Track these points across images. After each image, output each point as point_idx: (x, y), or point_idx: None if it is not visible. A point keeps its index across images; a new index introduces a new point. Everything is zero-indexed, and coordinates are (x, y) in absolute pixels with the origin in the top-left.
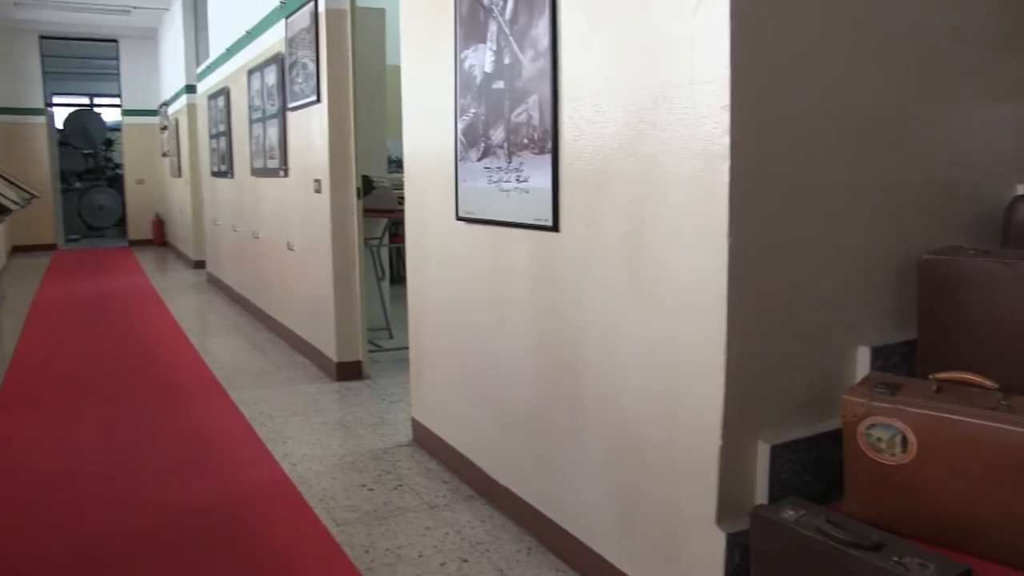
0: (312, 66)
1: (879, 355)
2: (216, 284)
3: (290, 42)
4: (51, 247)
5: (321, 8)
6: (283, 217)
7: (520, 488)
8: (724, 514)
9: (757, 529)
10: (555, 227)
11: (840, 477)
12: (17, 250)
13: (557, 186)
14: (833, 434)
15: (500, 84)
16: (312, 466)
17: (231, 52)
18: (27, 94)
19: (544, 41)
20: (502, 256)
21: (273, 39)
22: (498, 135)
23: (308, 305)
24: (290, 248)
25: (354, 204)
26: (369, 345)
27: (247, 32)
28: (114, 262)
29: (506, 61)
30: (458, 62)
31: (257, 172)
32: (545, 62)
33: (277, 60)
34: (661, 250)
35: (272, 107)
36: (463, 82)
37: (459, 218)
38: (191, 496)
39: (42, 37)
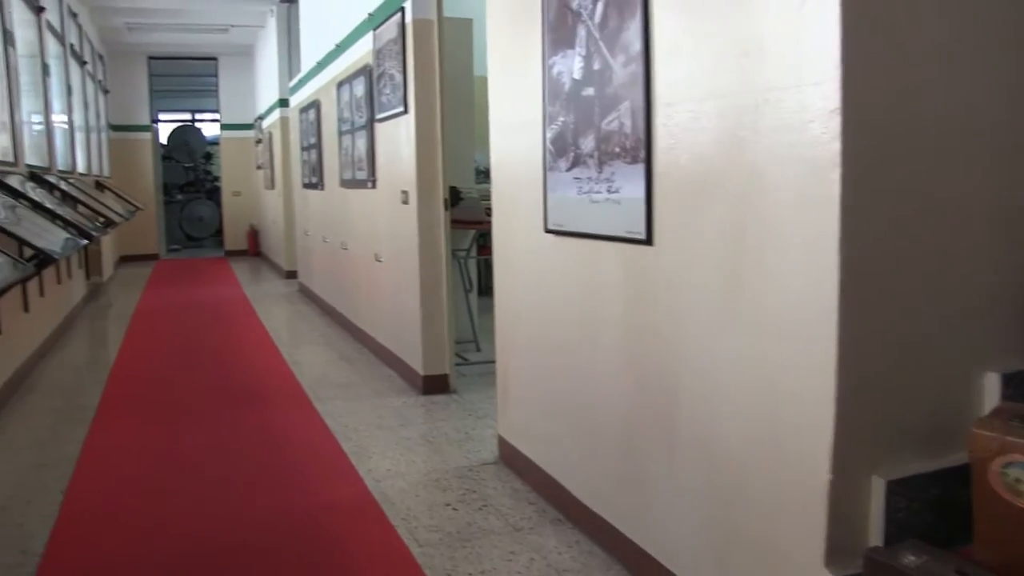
0: (399, 77)
1: (1011, 383)
2: (306, 294)
3: (378, 53)
4: (154, 257)
5: (408, 19)
6: (371, 228)
7: (609, 513)
8: (833, 557)
9: (873, 575)
10: (648, 240)
11: (965, 518)
12: (124, 260)
13: (651, 197)
14: (958, 470)
15: (590, 91)
16: (396, 483)
17: (321, 65)
18: (136, 112)
19: (636, 45)
20: (592, 270)
21: (362, 51)
22: (588, 144)
23: (395, 317)
24: (378, 259)
25: (441, 215)
26: (456, 358)
27: (336, 45)
28: (210, 272)
29: (596, 67)
30: (546, 69)
31: (346, 183)
32: (637, 67)
33: (365, 72)
34: (763, 264)
35: (360, 119)
36: (551, 90)
37: (548, 230)
38: (274, 509)
39: (150, 58)
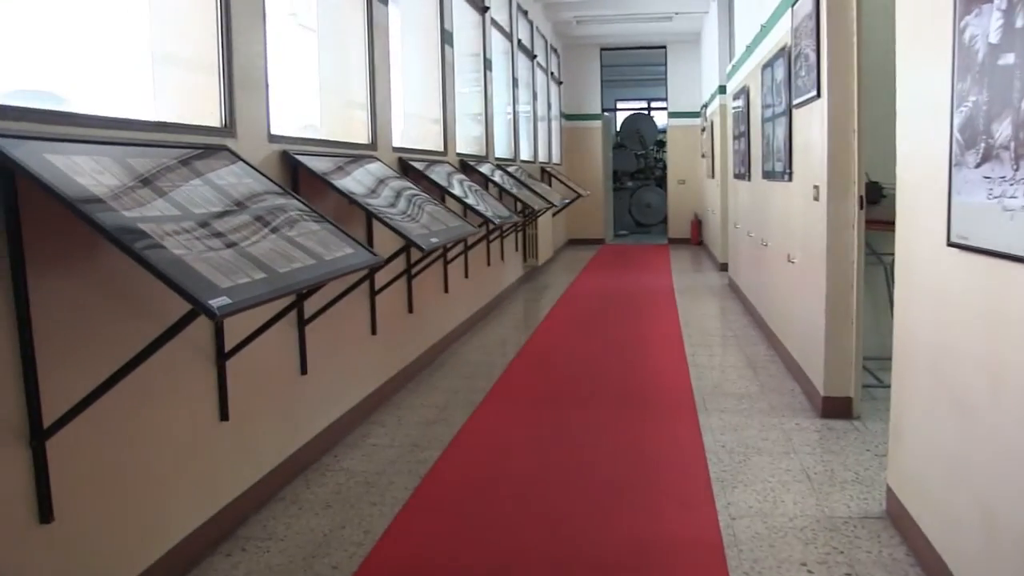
0: (813, 57)
1: None
2: (734, 290)
3: (795, 32)
4: (599, 241)
5: None
6: (786, 225)
7: None
8: None
9: None
10: None
11: None
12: (572, 243)
13: None
14: None
15: (1009, 58)
16: (753, 524)
17: (749, 50)
18: (588, 101)
19: None
20: (1003, 300)
21: (781, 31)
22: (1003, 132)
23: (801, 325)
24: (790, 260)
25: (855, 214)
26: (867, 377)
27: (761, 26)
28: (647, 260)
29: (1020, 23)
30: (956, 33)
31: (767, 175)
32: None
33: (784, 53)
34: None
35: (780, 105)
36: (961, 61)
37: (950, 243)
38: (611, 531)
39: (602, 49)
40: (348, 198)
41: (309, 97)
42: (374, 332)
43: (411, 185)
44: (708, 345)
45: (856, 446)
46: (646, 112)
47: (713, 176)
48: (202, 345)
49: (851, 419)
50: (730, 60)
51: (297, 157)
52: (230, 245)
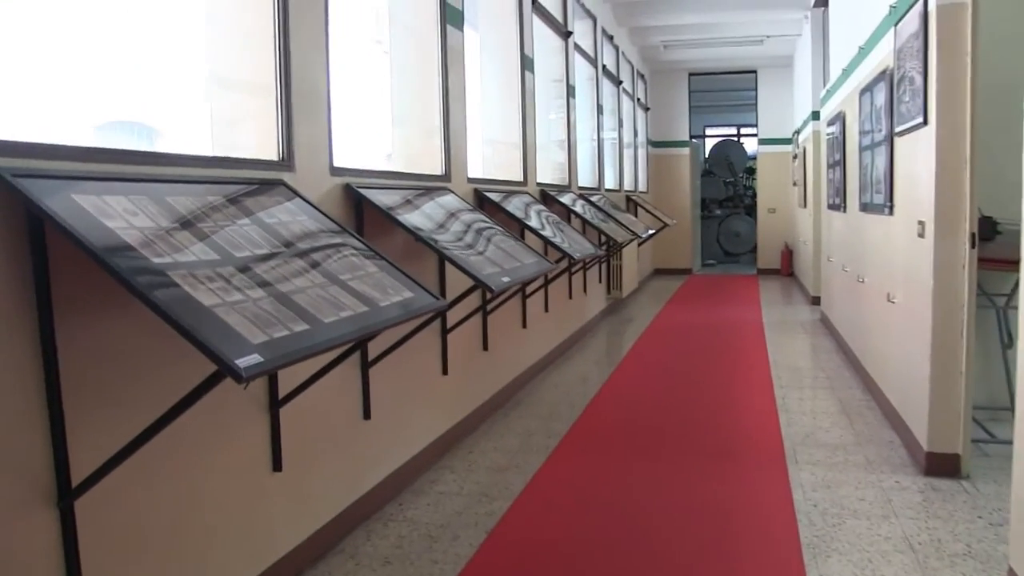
0: (919, 80)
1: None
2: (826, 326)
3: (898, 53)
4: (686, 271)
5: (932, 5)
6: (886, 262)
7: None
8: None
9: None
10: None
11: None
12: (658, 272)
13: None
14: None
15: None
16: None
17: (846, 73)
18: (676, 127)
19: None
20: None
21: (882, 52)
22: None
23: (903, 371)
24: (890, 300)
25: (965, 253)
26: (977, 430)
27: (859, 48)
28: (736, 291)
29: None
30: None
31: (864, 207)
32: None
33: (885, 76)
34: None
35: (879, 132)
36: None
37: None
38: None
39: (691, 74)
40: (415, 235)
41: (383, 126)
42: (445, 372)
43: (484, 218)
44: (799, 387)
45: (966, 512)
46: (735, 139)
47: (805, 205)
48: (253, 391)
49: (959, 478)
50: (824, 84)
51: (361, 191)
52: (272, 292)
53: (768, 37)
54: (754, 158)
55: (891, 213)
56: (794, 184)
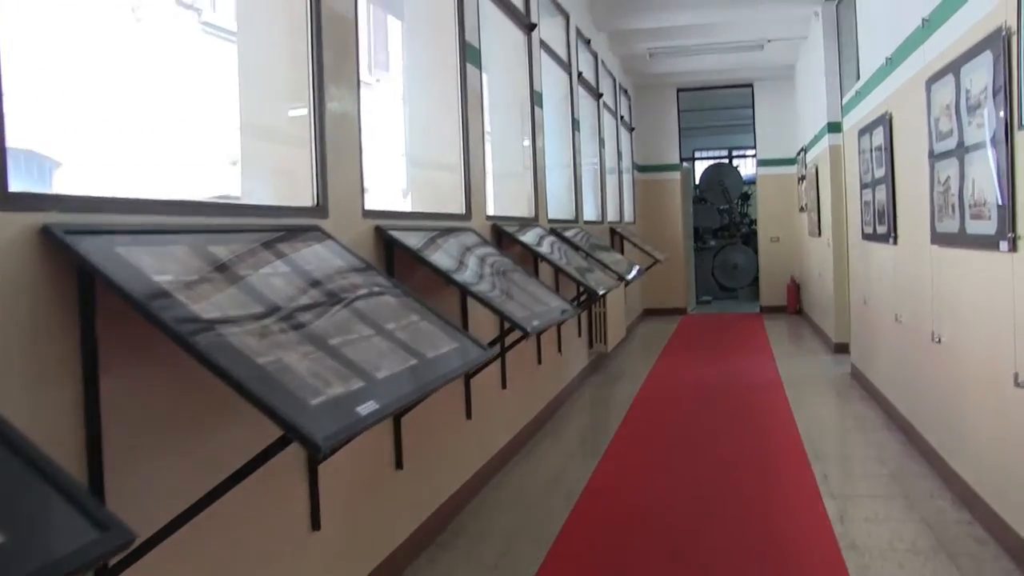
0: None
1: None
2: (863, 386)
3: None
4: (680, 311)
5: None
6: (1000, 319)
7: None
8: None
9: None
10: None
11: None
12: (648, 313)
13: None
14: None
15: None
16: None
17: (894, 62)
18: (665, 150)
19: None
20: None
21: (979, 12)
22: None
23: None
24: (1018, 384)
25: None
26: None
27: (924, 20)
28: (739, 334)
29: None
30: None
31: (944, 239)
32: None
33: (991, 44)
34: None
35: (977, 129)
36: None
37: None
38: None
39: (679, 90)
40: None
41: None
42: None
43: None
44: (856, 494)
45: None
46: (727, 162)
47: (819, 234)
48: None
49: None
50: (845, 89)
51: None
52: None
53: (769, 41)
54: (751, 182)
55: (1013, 248)
56: (801, 209)
